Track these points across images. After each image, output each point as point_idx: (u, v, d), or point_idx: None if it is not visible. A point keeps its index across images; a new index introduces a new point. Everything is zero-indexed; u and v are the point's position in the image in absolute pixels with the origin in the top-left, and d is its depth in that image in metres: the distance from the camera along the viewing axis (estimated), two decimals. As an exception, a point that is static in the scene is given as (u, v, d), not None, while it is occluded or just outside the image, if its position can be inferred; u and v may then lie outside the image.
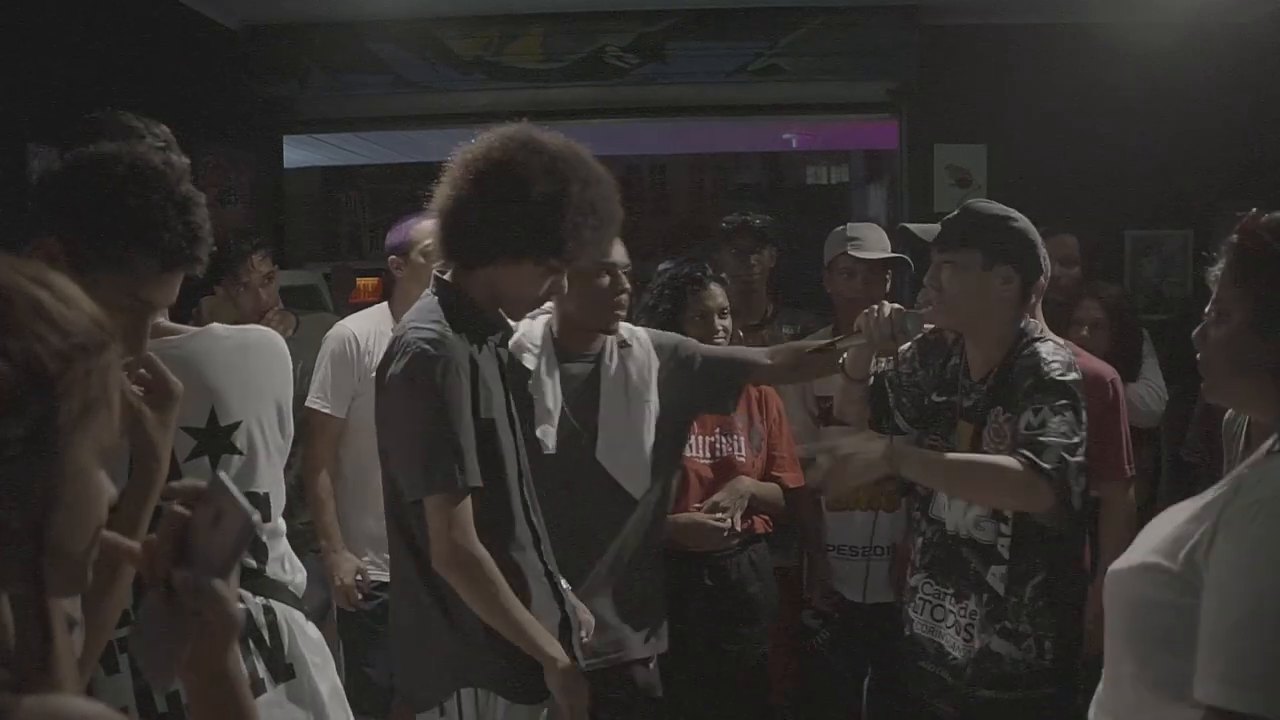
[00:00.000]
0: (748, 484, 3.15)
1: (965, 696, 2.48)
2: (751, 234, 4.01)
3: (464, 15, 5.26)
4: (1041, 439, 2.31)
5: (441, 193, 2.22)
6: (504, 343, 2.35)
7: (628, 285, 2.67)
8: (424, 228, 3.13)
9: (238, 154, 5.20)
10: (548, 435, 2.66)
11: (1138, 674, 1.47)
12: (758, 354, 2.92)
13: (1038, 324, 2.57)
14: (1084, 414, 2.39)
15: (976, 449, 2.47)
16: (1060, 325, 3.75)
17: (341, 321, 3.54)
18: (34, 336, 0.89)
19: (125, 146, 1.72)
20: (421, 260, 3.26)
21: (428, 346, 2.10)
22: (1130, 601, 1.49)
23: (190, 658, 1.01)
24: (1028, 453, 2.30)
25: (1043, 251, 2.55)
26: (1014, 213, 2.56)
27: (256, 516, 1.01)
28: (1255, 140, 4.91)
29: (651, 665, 2.82)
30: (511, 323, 2.36)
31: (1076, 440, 2.33)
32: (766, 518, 3.24)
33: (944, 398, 2.63)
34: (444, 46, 5.29)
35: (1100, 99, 5.06)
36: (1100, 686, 1.60)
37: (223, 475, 1.04)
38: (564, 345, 2.75)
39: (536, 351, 2.73)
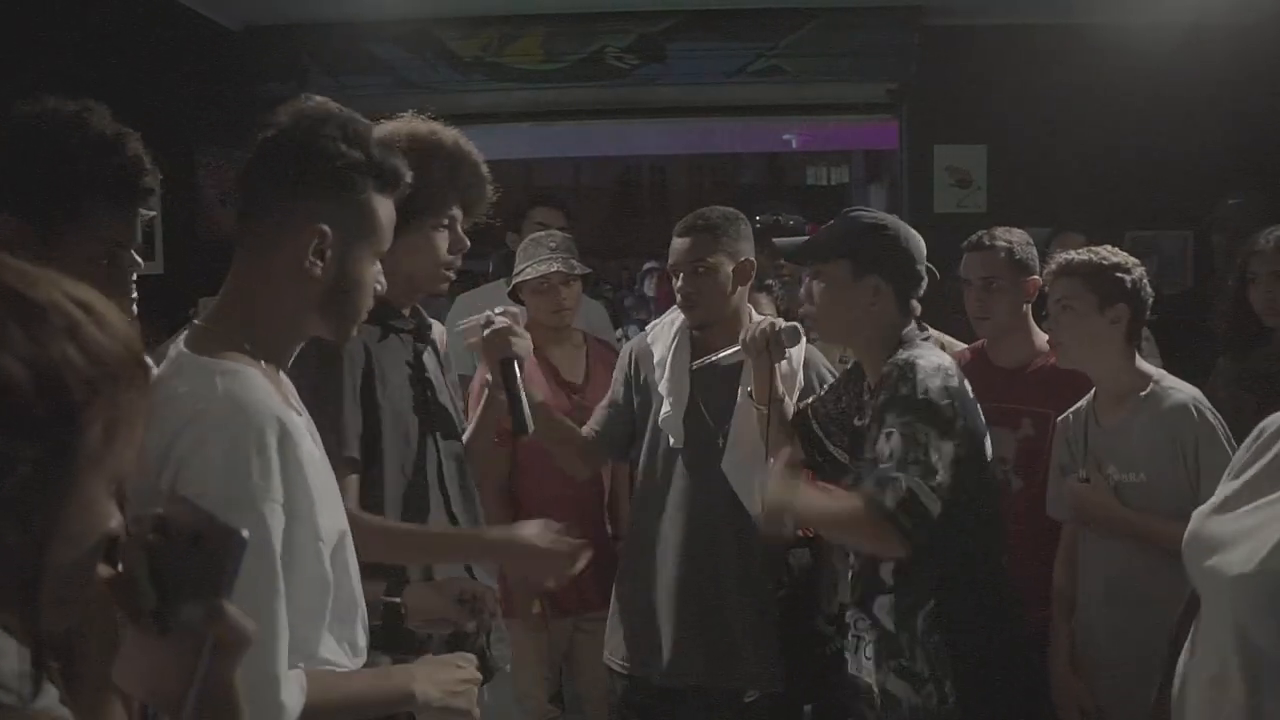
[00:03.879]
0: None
1: None
2: (784, 235, 3.83)
3: (464, 15, 5.25)
4: (891, 474, 2.15)
5: None
6: (421, 337, 2.32)
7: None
8: None
9: (238, 154, 5.17)
10: (671, 429, 2.73)
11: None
12: None
13: (922, 331, 2.42)
14: (955, 424, 2.21)
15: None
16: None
17: None
18: (63, 360, 0.85)
19: (36, 106, 1.67)
20: None
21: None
22: (1254, 608, 1.43)
23: (211, 680, 0.95)
24: (872, 493, 2.16)
25: (919, 257, 2.40)
26: (888, 220, 2.44)
27: (245, 532, 0.95)
28: (1255, 141, 4.91)
29: (748, 698, 2.81)
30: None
31: (932, 460, 2.16)
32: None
33: (861, 421, 2.47)
34: (444, 46, 5.28)
35: (1100, 99, 5.05)
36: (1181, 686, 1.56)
37: (186, 495, 0.98)
38: (704, 339, 2.77)
39: (668, 344, 2.78)
